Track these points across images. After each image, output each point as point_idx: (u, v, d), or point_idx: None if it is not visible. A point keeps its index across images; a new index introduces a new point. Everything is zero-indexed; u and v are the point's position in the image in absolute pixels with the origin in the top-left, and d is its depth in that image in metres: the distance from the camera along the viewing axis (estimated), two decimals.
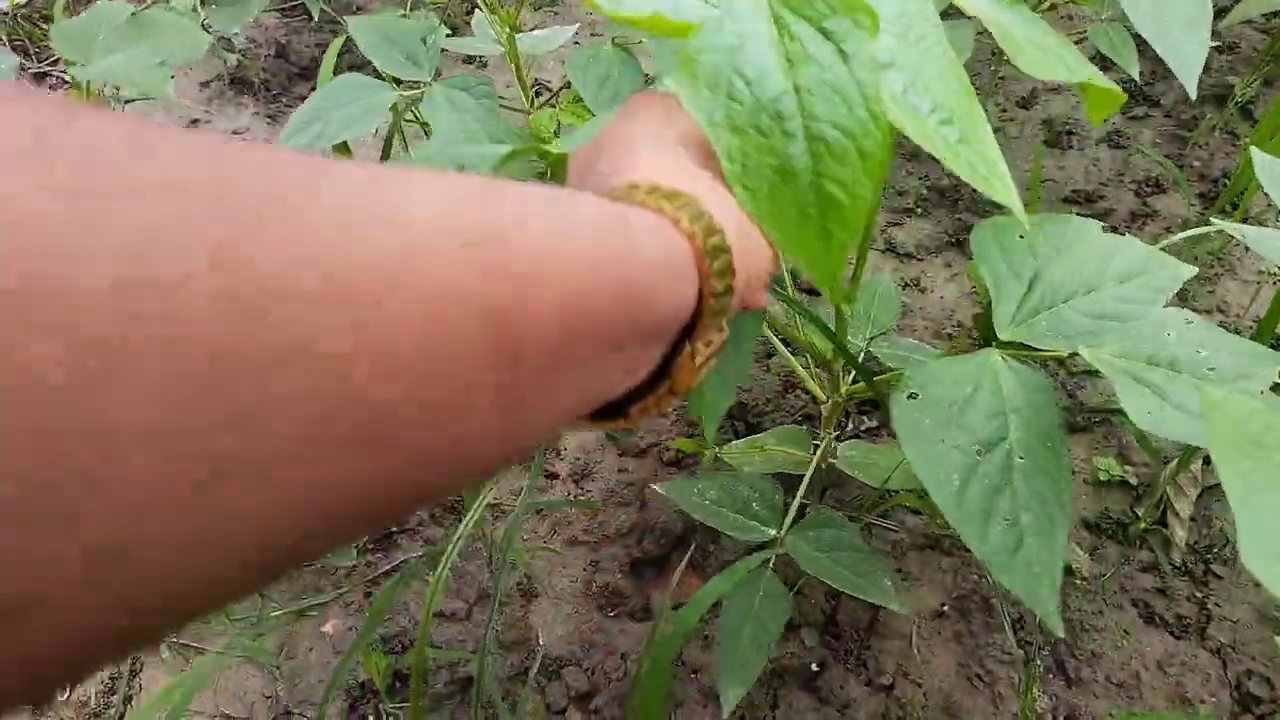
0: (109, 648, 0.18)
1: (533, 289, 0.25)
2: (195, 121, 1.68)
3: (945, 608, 0.90)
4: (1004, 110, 1.40)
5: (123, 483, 0.16)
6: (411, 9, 1.69)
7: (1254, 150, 0.77)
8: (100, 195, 0.16)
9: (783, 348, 0.88)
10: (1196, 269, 0.55)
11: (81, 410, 0.15)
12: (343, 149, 1.06)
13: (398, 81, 0.99)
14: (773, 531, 0.79)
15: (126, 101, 1.40)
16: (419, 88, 1.00)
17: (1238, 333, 1.07)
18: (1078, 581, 0.90)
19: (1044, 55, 0.44)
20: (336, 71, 1.09)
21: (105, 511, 0.16)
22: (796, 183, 0.36)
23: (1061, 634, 0.47)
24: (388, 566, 1.00)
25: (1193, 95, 0.73)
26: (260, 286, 0.18)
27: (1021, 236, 0.57)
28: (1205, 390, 0.38)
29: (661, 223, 0.32)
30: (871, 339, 0.92)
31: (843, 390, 0.79)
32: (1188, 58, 0.79)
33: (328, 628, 0.96)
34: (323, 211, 0.20)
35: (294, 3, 1.91)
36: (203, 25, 1.61)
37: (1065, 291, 0.55)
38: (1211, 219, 0.77)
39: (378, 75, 0.99)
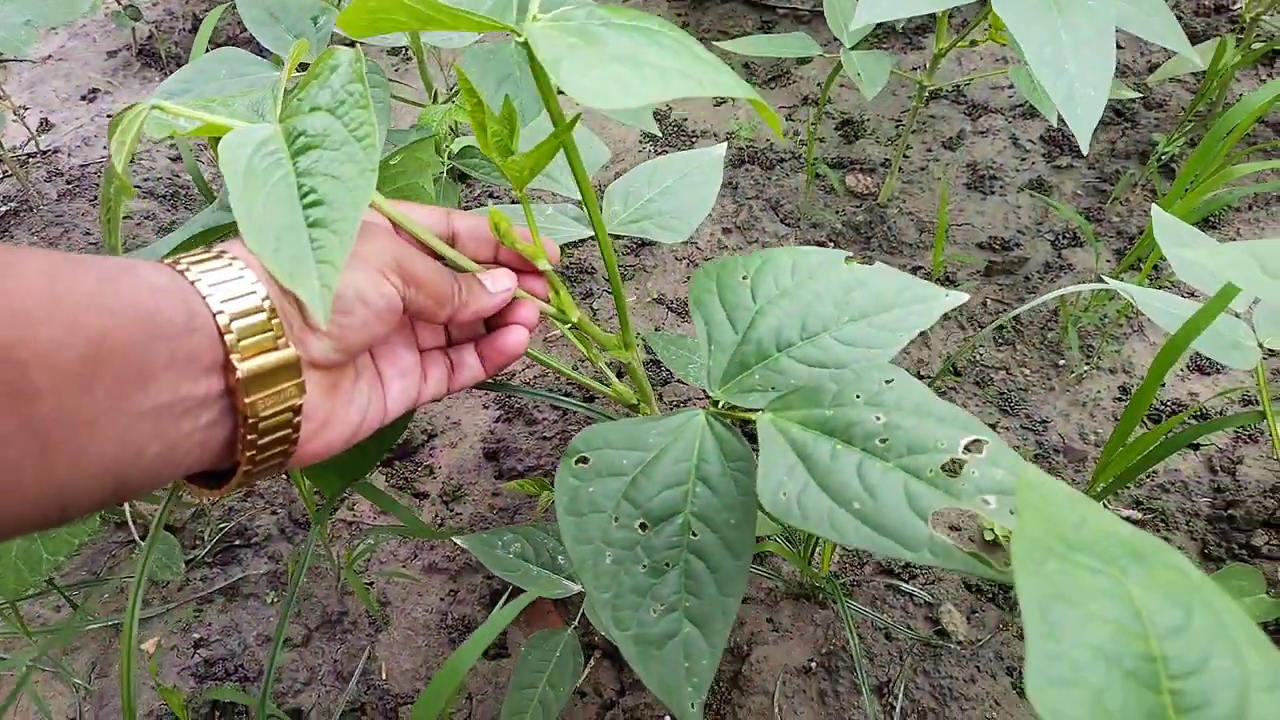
0: None
1: (37, 321, 0.30)
2: (95, 91, 1.59)
3: (812, 664, 0.85)
4: (929, 150, 1.37)
5: None
6: None
7: (1155, 209, 0.73)
8: None
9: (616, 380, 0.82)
10: (966, 297, 0.48)
11: None
12: None
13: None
14: (576, 587, 0.73)
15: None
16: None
17: None
18: (952, 646, 0.85)
19: (631, 75, 0.35)
20: (247, 47, 1.03)
21: None
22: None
23: None
24: (224, 583, 0.92)
25: (1085, 150, 0.69)
26: None
27: (745, 277, 0.50)
28: (1023, 469, 0.33)
29: (172, 280, 0.36)
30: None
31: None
32: (1083, 110, 0.75)
33: (147, 645, 0.88)
34: None
35: None
36: None
37: (786, 337, 0.47)
38: (1103, 276, 0.73)
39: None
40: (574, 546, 0.42)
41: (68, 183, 1.41)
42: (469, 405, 1.11)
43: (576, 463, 0.44)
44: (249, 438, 0.38)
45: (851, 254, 0.49)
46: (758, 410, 0.44)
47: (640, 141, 1.44)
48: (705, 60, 0.36)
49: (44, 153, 1.46)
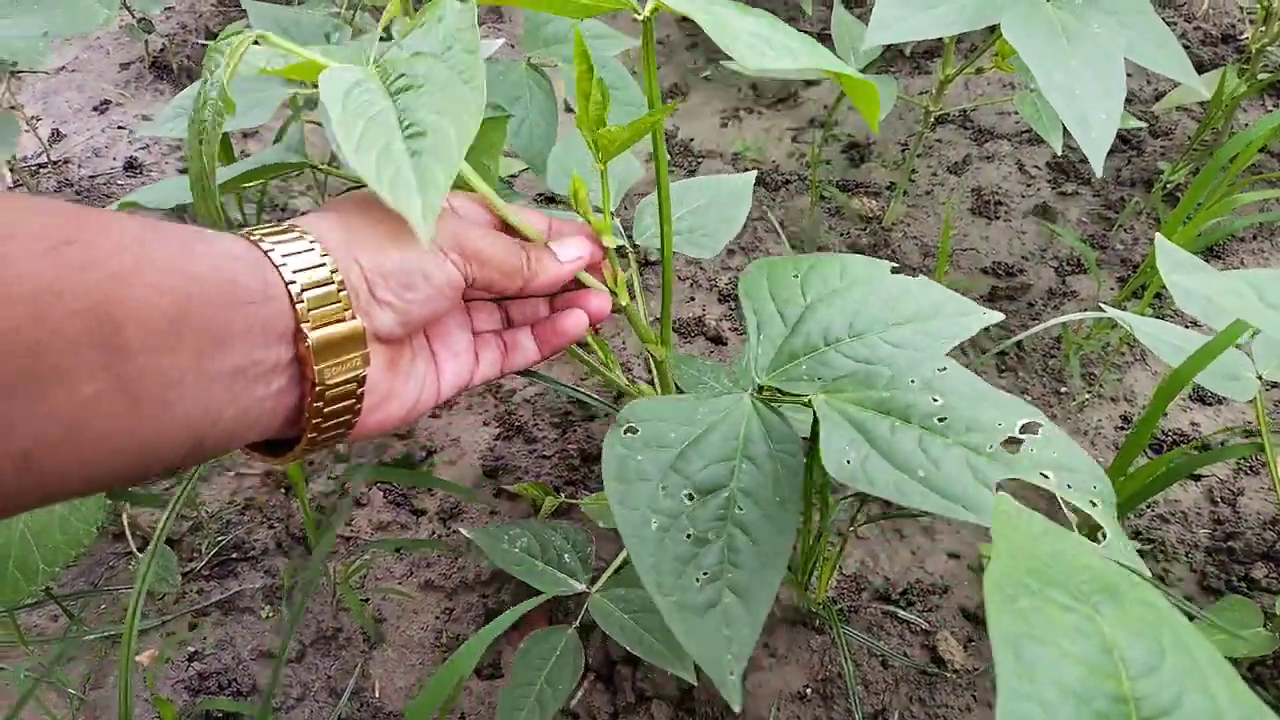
0: None
1: (130, 282, 0.31)
2: (106, 103, 1.60)
3: (808, 690, 0.85)
4: (935, 174, 1.37)
5: None
6: (349, 7, 1.63)
7: (1158, 237, 0.73)
8: None
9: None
10: (1001, 316, 0.51)
11: None
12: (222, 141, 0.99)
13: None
14: (581, 586, 0.74)
15: (13, 72, 1.32)
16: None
17: None
18: (949, 674, 0.85)
19: (768, 48, 0.39)
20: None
21: None
22: None
23: (738, 708, 0.41)
24: (220, 596, 0.93)
25: (1098, 172, 0.69)
26: None
27: (796, 276, 0.53)
28: (999, 498, 0.33)
29: (248, 250, 0.38)
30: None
31: None
32: (1097, 133, 0.75)
33: (142, 658, 0.88)
34: None
35: None
36: (124, 5, 1.54)
37: (834, 334, 0.50)
38: (1103, 305, 0.73)
39: None
40: (620, 510, 0.43)
41: (77, 193, 1.42)
42: (468, 423, 1.11)
43: (625, 432, 0.46)
44: (315, 405, 0.40)
45: (896, 265, 0.51)
46: (804, 396, 0.47)
47: (646, 162, 1.44)
48: (820, 49, 0.41)
49: (55, 163, 1.48)
